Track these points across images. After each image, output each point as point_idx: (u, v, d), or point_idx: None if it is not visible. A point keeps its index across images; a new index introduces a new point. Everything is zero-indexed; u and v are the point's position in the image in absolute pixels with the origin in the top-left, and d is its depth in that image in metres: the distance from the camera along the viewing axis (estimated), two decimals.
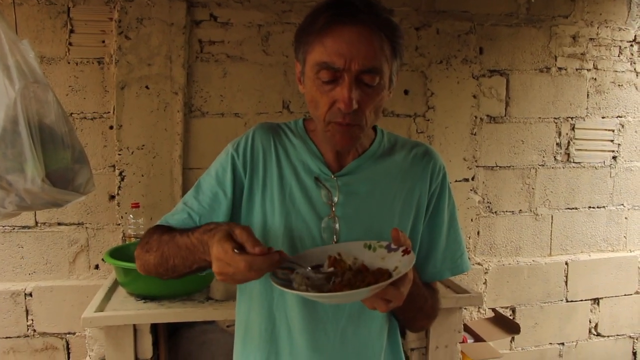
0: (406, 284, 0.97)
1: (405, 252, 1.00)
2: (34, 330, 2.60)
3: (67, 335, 2.62)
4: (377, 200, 1.20)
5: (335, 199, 1.18)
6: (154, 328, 2.05)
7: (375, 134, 1.29)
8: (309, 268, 1.02)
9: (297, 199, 1.18)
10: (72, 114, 2.55)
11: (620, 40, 3.12)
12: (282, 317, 1.20)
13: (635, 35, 3.14)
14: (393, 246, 1.03)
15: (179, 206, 1.26)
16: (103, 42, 2.57)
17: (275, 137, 1.24)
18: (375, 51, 1.08)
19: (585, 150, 3.16)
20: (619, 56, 3.13)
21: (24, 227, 2.57)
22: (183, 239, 1.11)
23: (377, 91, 1.10)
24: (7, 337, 2.58)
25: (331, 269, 1.03)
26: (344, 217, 1.17)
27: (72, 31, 2.54)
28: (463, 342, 2.54)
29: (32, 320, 2.59)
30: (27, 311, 2.58)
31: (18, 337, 2.59)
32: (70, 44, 2.55)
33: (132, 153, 2.56)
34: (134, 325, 1.97)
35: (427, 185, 1.24)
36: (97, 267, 2.65)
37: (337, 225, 1.16)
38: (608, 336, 3.31)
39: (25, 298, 2.57)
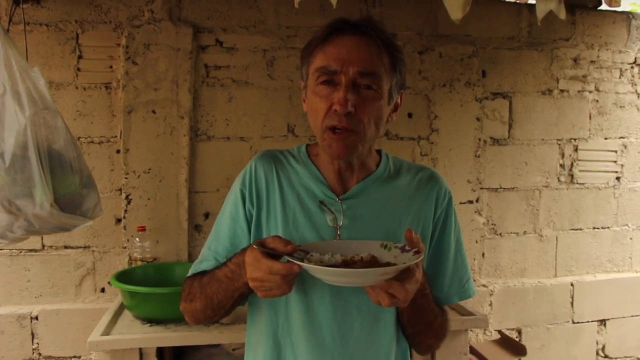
0: (412, 282, 0.98)
1: (417, 252, 1.02)
2: (40, 354, 2.59)
3: (73, 359, 2.62)
4: (382, 224, 1.21)
5: (340, 223, 1.19)
6: (160, 352, 2.05)
7: (380, 158, 1.30)
8: (326, 255, 1.07)
9: (300, 224, 1.20)
10: (79, 138, 2.58)
11: (621, 63, 3.15)
12: (287, 343, 1.20)
13: (635, 58, 3.17)
14: (407, 247, 1.05)
15: (205, 252, 1.28)
16: (110, 67, 2.61)
17: (276, 164, 1.26)
18: (373, 57, 1.12)
19: (589, 171, 3.17)
20: (620, 78, 3.16)
21: (30, 251, 2.58)
22: (222, 270, 1.15)
23: (374, 98, 1.13)
24: None
25: (346, 257, 1.07)
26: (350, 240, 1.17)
27: (80, 57, 2.58)
28: None
29: (38, 343, 2.59)
30: (32, 335, 2.58)
31: None
32: (78, 69, 2.58)
33: (138, 177, 2.58)
34: (140, 349, 1.97)
35: (433, 209, 1.25)
36: (103, 290, 2.65)
37: None
38: (616, 358, 3.28)
39: (31, 321, 2.57)
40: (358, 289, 1.13)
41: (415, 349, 1.33)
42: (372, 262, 1.05)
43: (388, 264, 1.03)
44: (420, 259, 0.99)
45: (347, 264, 1.05)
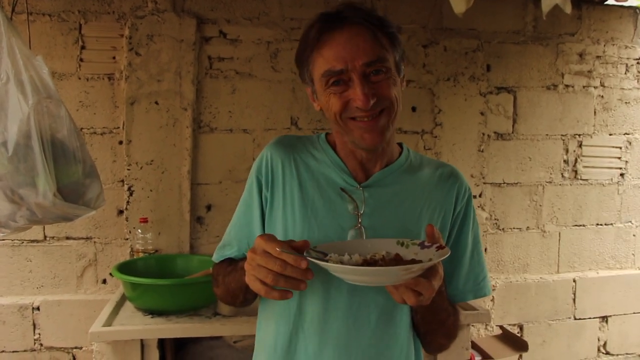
0: (437, 279, 0.97)
1: (440, 247, 0.99)
2: (41, 345, 2.60)
3: (74, 350, 2.62)
4: (402, 215, 1.19)
5: (362, 210, 1.17)
6: (161, 343, 2.05)
7: (401, 150, 1.30)
8: (345, 255, 1.03)
9: (319, 211, 1.18)
10: (82, 129, 2.56)
11: (627, 58, 3.13)
12: (300, 332, 1.18)
13: None
14: (427, 243, 1.03)
15: (225, 237, 1.31)
16: (113, 58, 2.60)
17: (293, 151, 1.24)
18: (372, 44, 1.10)
19: (593, 167, 3.15)
20: (625, 74, 3.14)
21: (32, 241, 2.58)
22: (240, 262, 1.17)
23: (387, 78, 1.11)
24: (13, 351, 2.58)
25: (365, 256, 1.03)
26: (371, 228, 1.16)
27: (83, 47, 2.57)
28: (471, 359, 2.52)
29: (39, 334, 2.59)
30: (34, 325, 2.58)
31: (25, 351, 2.58)
32: (81, 60, 2.57)
33: (141, 168, 2.58)
34: (141, 340, 1.97)
35: (452, 206, 1.24)
36: (104, 281, 2.65)
37: (364, 237, 1.15)
38: (617, 355, 3.27)
39: (33, 312, 2.57)
40: None
41: (426, 348, 1.31)
42: (397, 260, 1.01)
43: (413, 261, 0.99)
44: (448, 254, 0.96)
45: (368, 263, 1.01)
